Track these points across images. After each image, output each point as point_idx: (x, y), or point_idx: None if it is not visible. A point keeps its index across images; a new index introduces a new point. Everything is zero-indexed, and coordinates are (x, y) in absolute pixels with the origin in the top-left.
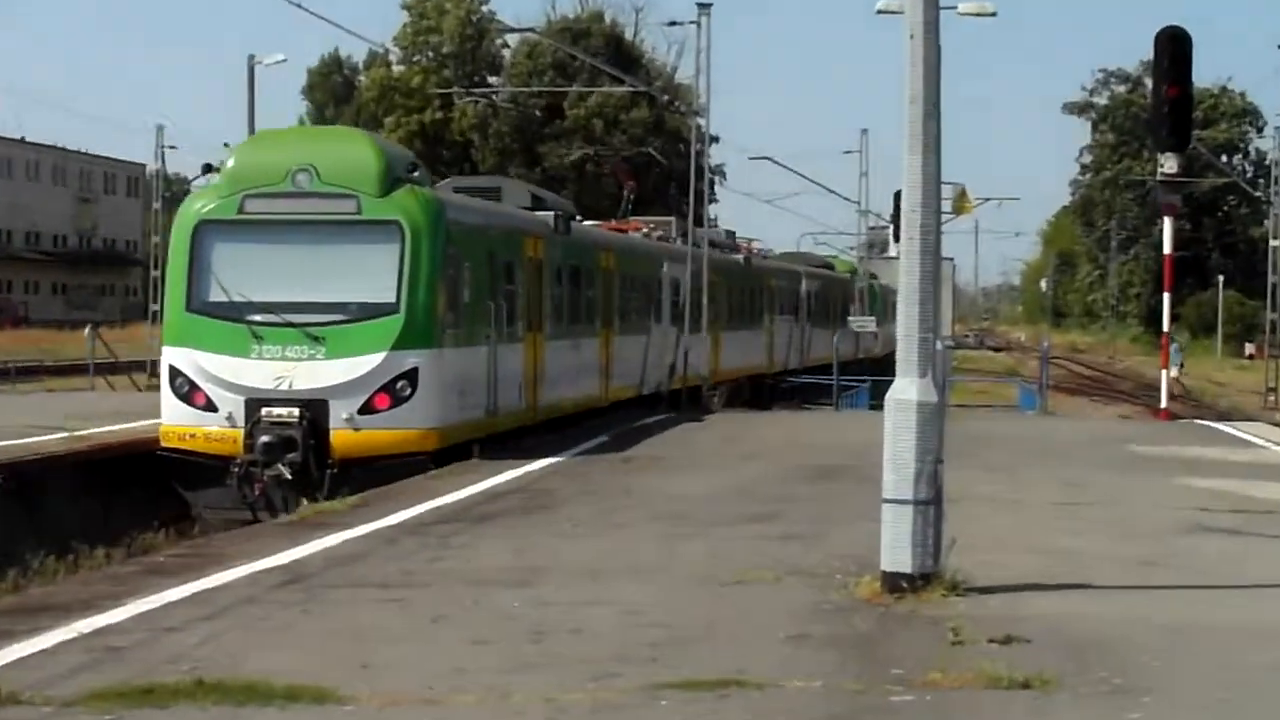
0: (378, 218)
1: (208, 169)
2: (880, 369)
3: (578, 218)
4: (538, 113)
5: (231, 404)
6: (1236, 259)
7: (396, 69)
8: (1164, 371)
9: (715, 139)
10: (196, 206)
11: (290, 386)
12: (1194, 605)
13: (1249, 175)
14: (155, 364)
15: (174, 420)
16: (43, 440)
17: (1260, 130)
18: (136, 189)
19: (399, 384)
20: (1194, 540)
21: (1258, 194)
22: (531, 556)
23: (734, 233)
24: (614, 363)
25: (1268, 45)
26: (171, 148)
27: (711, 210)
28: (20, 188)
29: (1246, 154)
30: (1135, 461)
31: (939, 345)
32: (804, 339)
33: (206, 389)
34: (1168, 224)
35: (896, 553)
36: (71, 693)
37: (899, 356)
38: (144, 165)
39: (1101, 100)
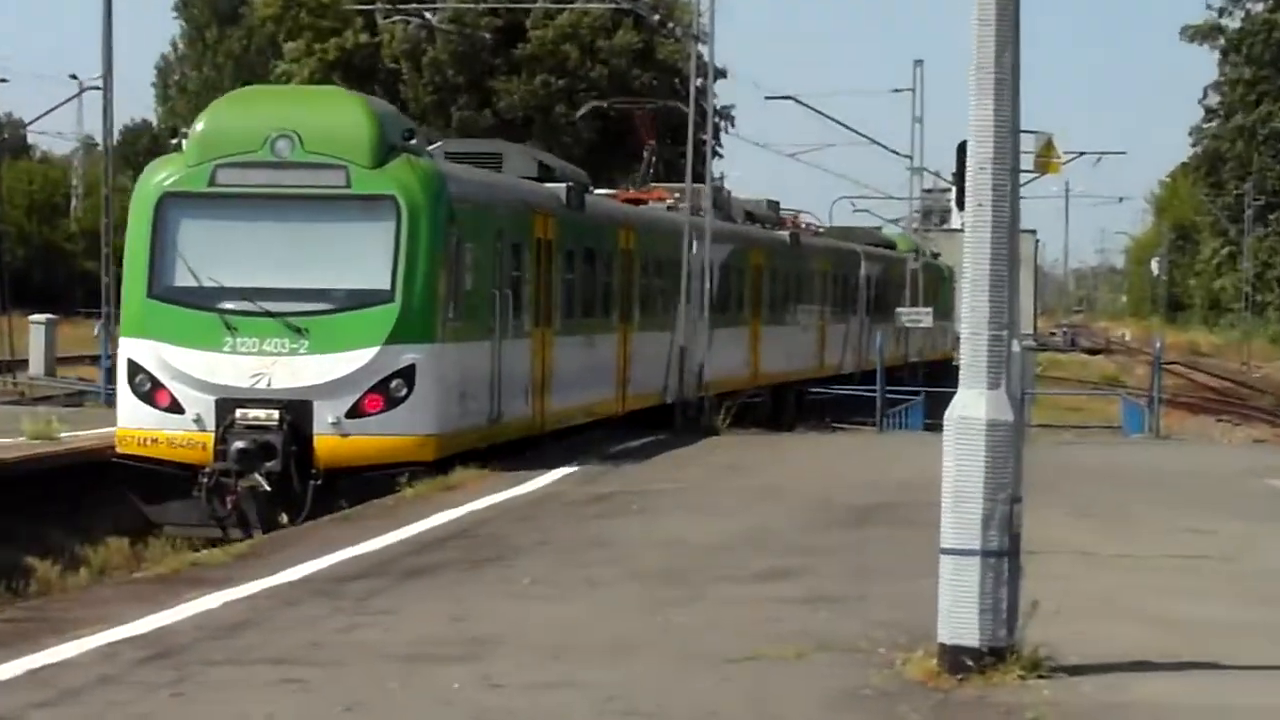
0: (370, 192)
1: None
2: (939, 376)
3: (591, 189)
4: (487, 36)
5: (200, 405)
6: None
7: None
8: None
9: (721, 73)
10: (160, 177)
11: (268, 385)
12: None
13: None
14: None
15: (133, 423)
16: None
17: None
18: None
19: (393, 383)
20: None
21: None
22: (476, 624)
23: (778, 203)
24: (632, 364)
25: None
26: (2, 80)
27: (715, 168)
28: None
29: None
30: (1277, 502)
31: (1016, 346)
32: (863, 336)
33: (171, 387)
34: None
35: (959, 620)
36: None
37: (963, 361)
38: None
39: (1233, 23)
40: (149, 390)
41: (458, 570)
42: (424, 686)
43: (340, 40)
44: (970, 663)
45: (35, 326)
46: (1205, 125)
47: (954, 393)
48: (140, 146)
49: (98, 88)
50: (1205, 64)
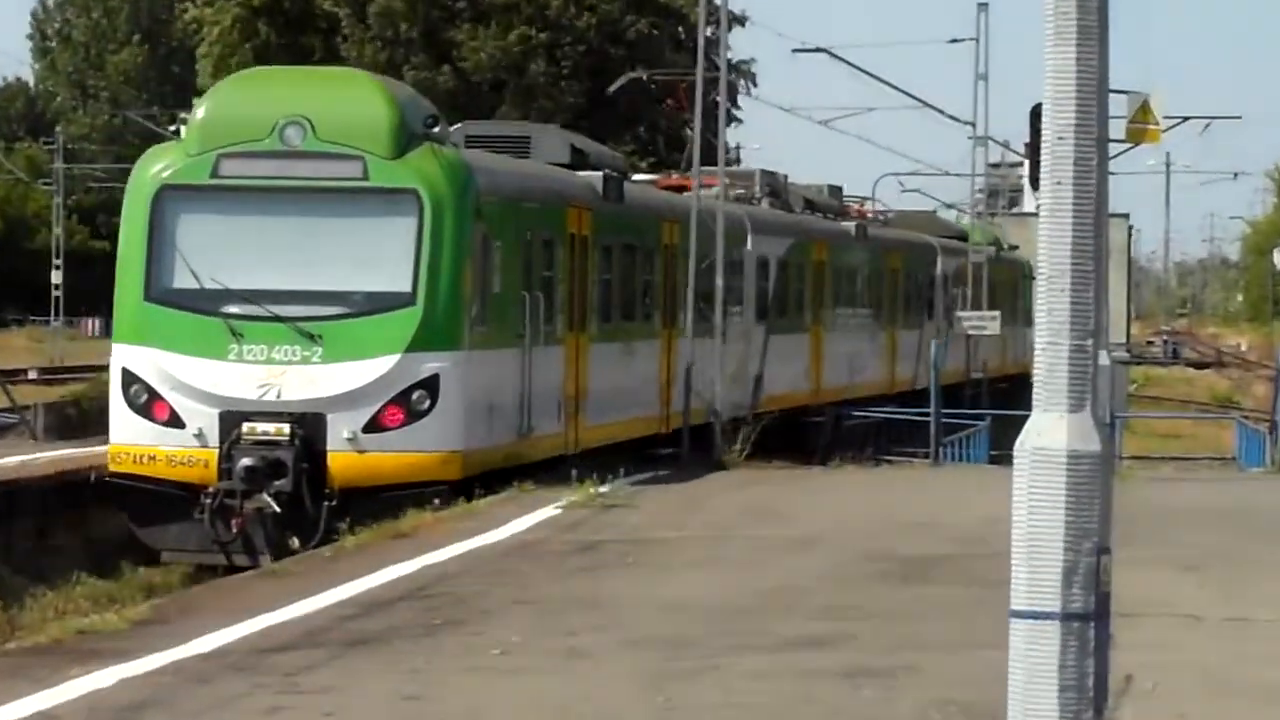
0: (389, 185)
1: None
2: (1008, 396)
3: (630, 176)
4: None
5: (203, 418)
6: None
7: None
8: None
9: (738, 20)
10: (157, 168)
11: (278, 396)
12: None
13: None
14: None
15: (127, 438)
16: None
17: None
18: None
19: (415, 395)
20: None
21: None
22: (435, 704)
23: (840, 189)
24: (679, 373)
25: None
26: None
27: (731, 137)
28: None
29: None
30: None
31: (1105, 358)
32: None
33: (170, 399)
34: None
35: (1034, 699)
36: None
37: (1037, 376)
38: None
39: None
40: (145, 402)
41: (411, 638)
42: None
43: None
44: None
45: None
46: None
47: (1026, 416)
48: (14, 111)
49: None
50: None
